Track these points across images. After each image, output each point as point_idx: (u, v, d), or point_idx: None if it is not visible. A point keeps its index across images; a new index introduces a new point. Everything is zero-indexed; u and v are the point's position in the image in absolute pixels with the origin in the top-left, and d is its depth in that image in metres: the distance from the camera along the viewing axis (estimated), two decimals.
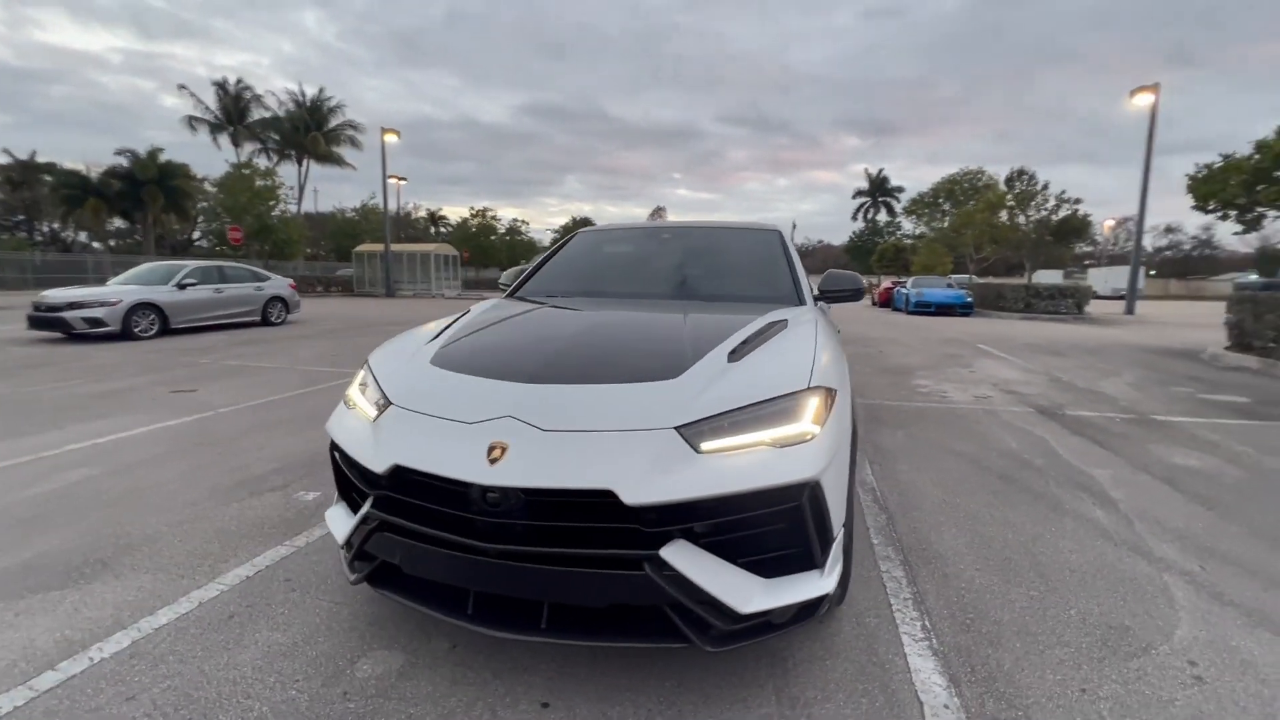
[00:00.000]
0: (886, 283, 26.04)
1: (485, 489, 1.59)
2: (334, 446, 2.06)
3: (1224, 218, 10.18)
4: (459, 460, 1.65)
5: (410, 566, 1.79)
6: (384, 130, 27.86)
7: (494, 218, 45.70)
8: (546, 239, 60.75)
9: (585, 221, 67.62)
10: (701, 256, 3.39)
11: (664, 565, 1.54)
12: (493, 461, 1.61)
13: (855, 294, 3.07)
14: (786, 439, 1.69)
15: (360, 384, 2.16)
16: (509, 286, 3.50)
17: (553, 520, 1.60)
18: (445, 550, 1.68)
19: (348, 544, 1.90)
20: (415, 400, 1.89)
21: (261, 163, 34.16)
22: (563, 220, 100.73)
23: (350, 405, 2.09)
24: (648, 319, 2.69)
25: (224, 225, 27.26)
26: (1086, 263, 57.83)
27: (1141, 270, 25.71)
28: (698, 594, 1.56)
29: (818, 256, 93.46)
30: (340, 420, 2.07)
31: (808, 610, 1.71)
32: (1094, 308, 21.21)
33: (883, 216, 60.37)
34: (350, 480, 2.00)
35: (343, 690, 1.80)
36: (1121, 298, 22.84)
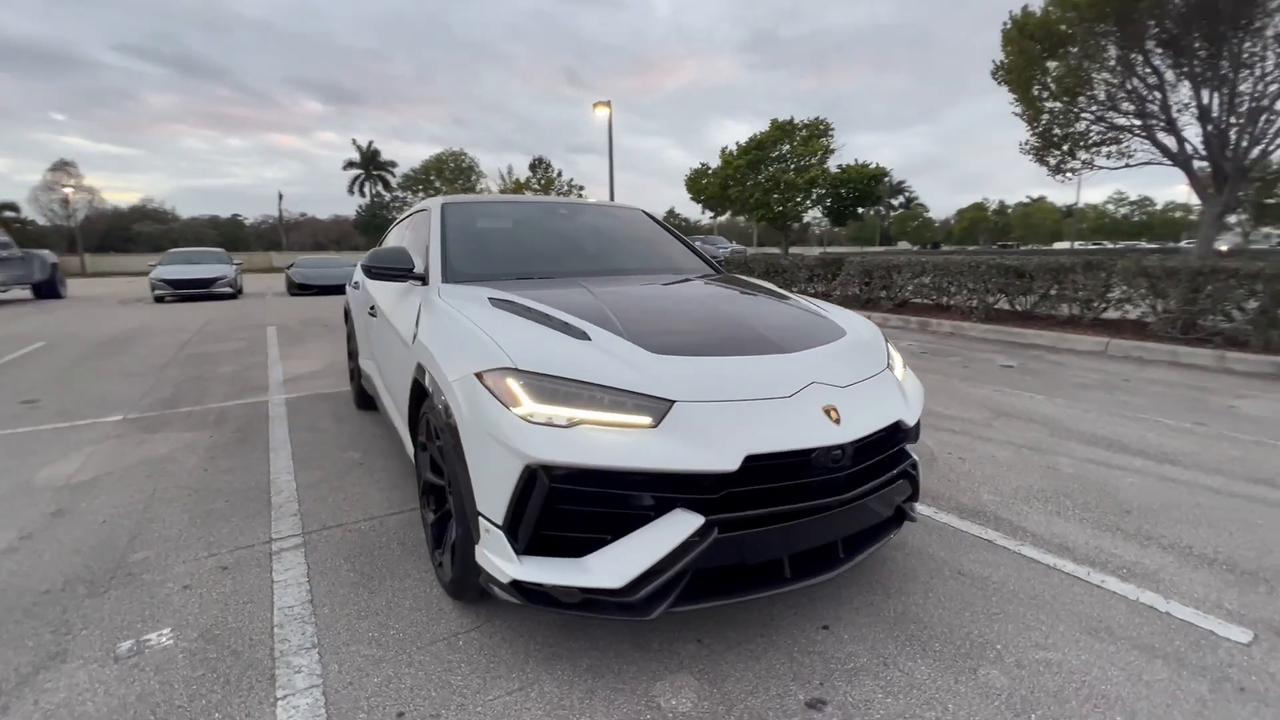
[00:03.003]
0: None
1: (832, 449, 1.74)
2: (561, 477, 1.59)
3: (706, 209, 15.14)
4: (811, 430, 1.71)
5: (755, 555, 1.71)
6: None
7: None
8: None
9: None
10: (621, 233, 3.43)
11: (915, 466, 2.07)
12: (836, 422, 1.76)
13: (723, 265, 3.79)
14: (901, 366, 2.40)
15: (542, 397, 1.67)
16: (383, 270, 2.73)
17: (866, 460, 1.87)
18: (786, 523, 1.72)
19: (645, 575, 1.60)
20: (704, 392, 1.71)
21: None
22: None
23: (573, 423, 1.63)
24: (713, 291, 2.75)
25: None
26: None
27: None
28: (917, 484, 2.14)
29: (305, 230, 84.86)
30: (569, 442, 1.59)
31: None
32: None
33: (383, 191, 59.44)
34: (581, 513, 1.64)
35: None
36: None
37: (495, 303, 2.20)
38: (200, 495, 3.08)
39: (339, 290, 17.03)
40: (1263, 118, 7.76)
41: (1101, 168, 9.82)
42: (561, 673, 1.81)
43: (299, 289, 16.62)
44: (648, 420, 1.65)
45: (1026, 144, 10.33)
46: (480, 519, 1.77)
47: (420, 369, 2.23)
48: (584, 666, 1.83)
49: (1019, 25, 9.69)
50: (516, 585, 1.68)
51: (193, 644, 1.94)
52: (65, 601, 2.17)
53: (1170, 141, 8.60)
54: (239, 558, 2.47)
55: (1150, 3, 8.04)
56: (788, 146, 15.23)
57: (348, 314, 4.82)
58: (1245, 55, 7.63)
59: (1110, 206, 77.84)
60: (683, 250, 3.48)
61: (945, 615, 2.08)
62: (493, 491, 1.71)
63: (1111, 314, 7.81)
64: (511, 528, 1.68)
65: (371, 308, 3.43)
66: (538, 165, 33.16)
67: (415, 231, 3.37)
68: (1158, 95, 8.60)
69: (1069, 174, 10.02)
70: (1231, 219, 44.55)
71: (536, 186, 32.36)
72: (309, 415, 4.52)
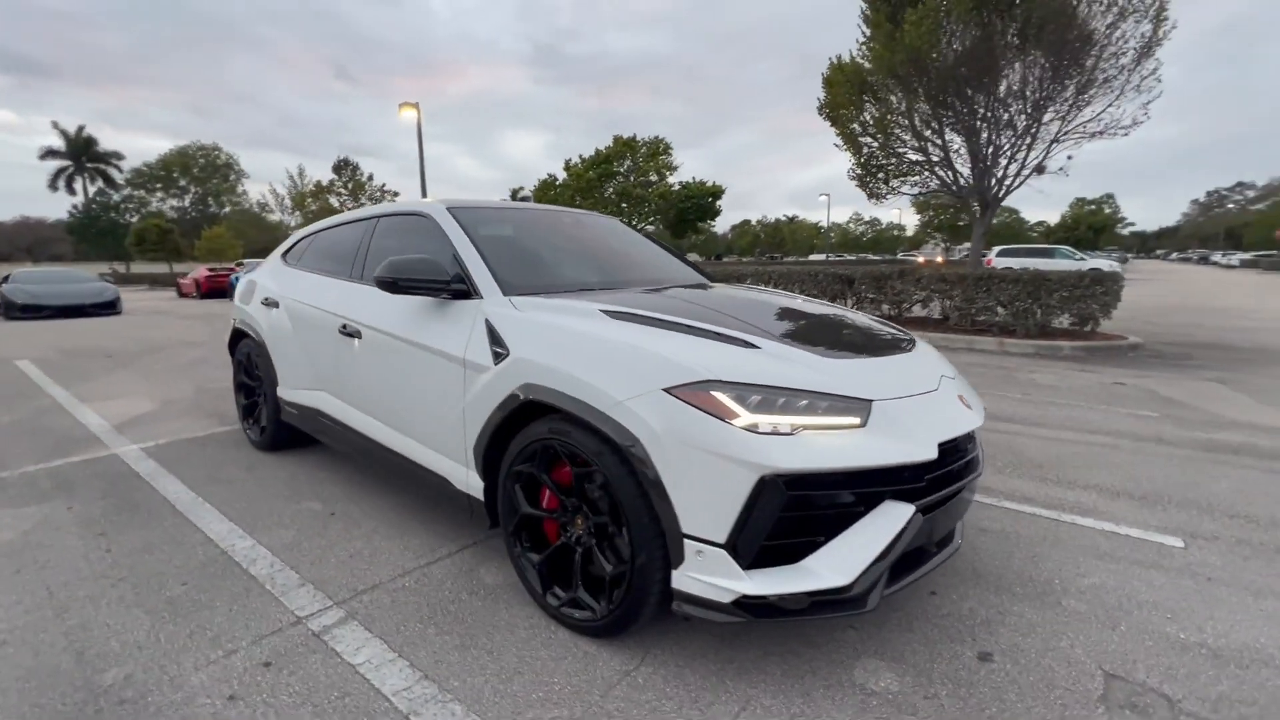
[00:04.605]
0: (203, 270, 22.09)
1: (972, 432, 1.99)
2: (792, 483, 1.60)
3: None
4: (961, 416, 1.94)
5: (938, 533, 1.87)
6: None
7: None
8: None
9: None
10: (630, 242, 3.32)
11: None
12: (968, 408, 2.01)
13: None
14: None
15: (756, 407, 1.65)
16: (416, 283, 2.39)
17: (969, 444, 2.15)
18: (952, 501, 1.92)
19: (868, 568, 1.67)
20: (887, 389, 1.82)
21: None
22: None
23: (795, 429, 1.63)
24: (777, 295, 2.91)
25: None
26: None
27: None
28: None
29: None
30: (798, 449, 1.60)
31: None
32: None
33: (108, 189, 48.18)
34: (822, 508, 1.68)
35: (922, 695, 1.73)
36: None
37: (614, 315, 2.07)
38: (134, 584, 2.33)
39: (80, 313, 13.53)
40: (1001, 161, 10.34)
41: (906, 194, 12.14)
42: (765, 684, 1.79)
43: (22, 311, 12.80)
44: (856, 420, 1.73)
45: (851, 172, 12.29)
46: (687, 541, 1.68)
47: (522, 391, 2.01)
48: (778, 674, 1.83)
49: (839, 69, 11.51)
50: (740, 603, 1.64)
51: None
52: None
53: (949, 175, 10.97)
54: (274, 648, 1.95)
55: (918, 68, 10.14)
56: (630, 162, 16.02)
57: (240, 338, 3.94)
58: (984, 112, 10.06)
59: (851, 225, 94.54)
60: (681, 260, 3.55)
61: (1004, 563, 2.48)
62: (710, 509, 1.64)
63: (918, 311, 9.60)
64: (734, 543, 1.63)
65: (344, 327, 2.90)
66: (343, 167, 29.50)
67: (398, 240, 2.94)
68: (936, 140, 10.88)
69: (884, 199, 12.17)
70: (938, 236, 57.53)
71: (343, 191, 28.81)
72: (199, 466, 3.61)
